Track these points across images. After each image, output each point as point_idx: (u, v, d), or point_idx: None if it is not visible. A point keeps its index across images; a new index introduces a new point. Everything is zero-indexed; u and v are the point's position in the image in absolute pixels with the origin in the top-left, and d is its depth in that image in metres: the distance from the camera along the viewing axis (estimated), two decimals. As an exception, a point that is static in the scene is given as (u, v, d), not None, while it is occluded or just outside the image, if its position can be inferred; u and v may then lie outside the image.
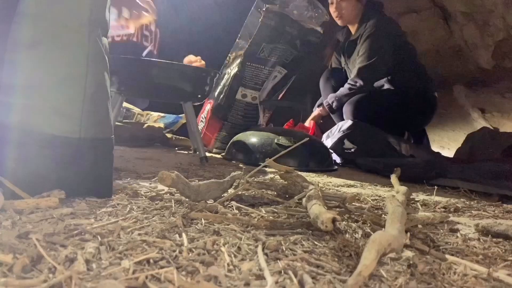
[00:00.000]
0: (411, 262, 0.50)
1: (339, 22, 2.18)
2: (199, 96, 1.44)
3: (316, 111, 2.21)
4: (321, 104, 2.20)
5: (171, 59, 1.43)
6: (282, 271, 0.44)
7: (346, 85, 2.09)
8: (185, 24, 2.11)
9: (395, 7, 2.66)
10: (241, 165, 1.45)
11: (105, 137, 0.74)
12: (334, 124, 2.09)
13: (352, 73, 2.12)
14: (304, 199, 0.71)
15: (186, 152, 1.73)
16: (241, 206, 0.72)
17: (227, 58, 1.91)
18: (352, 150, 1.83)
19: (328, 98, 2.14)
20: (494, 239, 0.68)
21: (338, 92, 2.12)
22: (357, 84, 2.05)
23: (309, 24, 1.79)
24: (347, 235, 0.61)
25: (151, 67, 1.33)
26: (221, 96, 1.85)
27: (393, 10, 2.54)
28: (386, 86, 2.16)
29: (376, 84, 2.16)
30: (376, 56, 2.03)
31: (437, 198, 1.08)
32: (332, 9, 2.14)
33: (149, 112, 2.10)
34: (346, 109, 2.09)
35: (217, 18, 2.26)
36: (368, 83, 2.08)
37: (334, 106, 2.12)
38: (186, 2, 2.25)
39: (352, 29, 2.19)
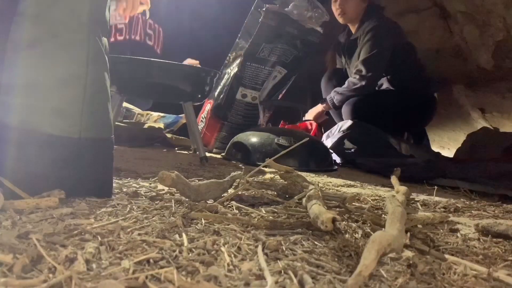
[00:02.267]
0: (411, 262, 0.50)
1: (340, 20, 2.18)
2: (199, 96, 1.44)
3: (319, 106, 2.20)
4: (324, 100, 2.20)
5: (173, 59, 1.43)
6: (282, 271, 0.44)
7: (350, 79, 2.08)
8: (185, 24, 2.11)
9: (395, 7, 2.66)
10: (241, 165, 1.45)
11: (105, 137, 0.74)
12: (334, 124, 2.09)
13: (353, 69, 2.12)
14: (304, 199, 0.71)
15: (186, 152, 1.73)
16: (241, 206, 0.72)
17: (227, 58, 1.91)
18: (352, 150, 1.83)
19: (332, 93, 2.13)
20: (494, 239, 0.68)
21: (341, 88, 2.10)
22: (363, 73, 2.02)
23: (309, 24, 1.79)
24: (347, 235, 0.61)
25: (151, 67, 1.33)
26: (221, 96, 1.85)
27: (393, 10, 2.54)
28: (386, 86, 2.16)
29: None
30: (377, 49, 2.02)
31: (437, 198, 1.08)
32: (335, 6, 2.14)
33: (149, 112, 2.10)
34: (345, 110, 2.09)
35: (217, 18, 2.26)
36: (373, 74, 2.04)
37: (335, 101, 2.11)
38: (187, 2, 2.25)
39: (353, 28, 2.20)
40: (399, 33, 2.16)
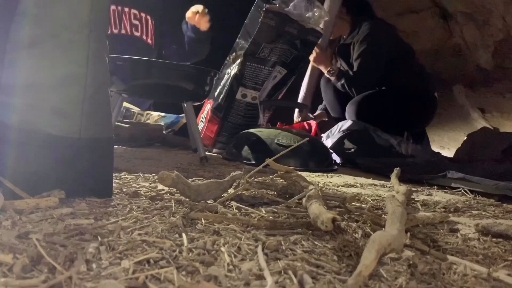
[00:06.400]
0: (411, 262, 0.50)
1: (332, 37, 2.29)
2: (199, 96, 1.44)
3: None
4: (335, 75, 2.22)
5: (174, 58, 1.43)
6: (282, 271, 0.44)
7: (352, 88, 2.12)
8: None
9: (395, 7, 2.66)
10: (241, 165, 1.45)
11: (105, 137, 0.74)
12: (334, 124, 2.10)
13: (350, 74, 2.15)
14: (304, 199, 0.71)
15: (186, 152, 1.73)
16: (241, 206, 0.72)
17: (227, 58, 1.91)
18: (352, 150, 1.83)
19: (341, 79, 2.17)
20: (494, 239, 0.68)
21: (344, 84, 2.15)
22: (359, 84, 2.10)
23: (309, 24, 1.79)
24: (347, 235, 0.61)
25: (151, 67, 1.33)
26: (221, 96, 1.84)
27: (393, 10, 2.54)
28: (386, 86, 2.16)
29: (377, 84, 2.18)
30: (369, 60, 2.06)
31: (437, 198, 1.08)
32: None
33: (149, 112, 2.10)
34: (350, 109, 2.10)
35: (217, 18, 2.26)
36: (367, 85, 2.11)
37: (337, 82, 2.16)
38: (187, 2, 2.25)
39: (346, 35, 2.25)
40: (393, 35, 2.18)
